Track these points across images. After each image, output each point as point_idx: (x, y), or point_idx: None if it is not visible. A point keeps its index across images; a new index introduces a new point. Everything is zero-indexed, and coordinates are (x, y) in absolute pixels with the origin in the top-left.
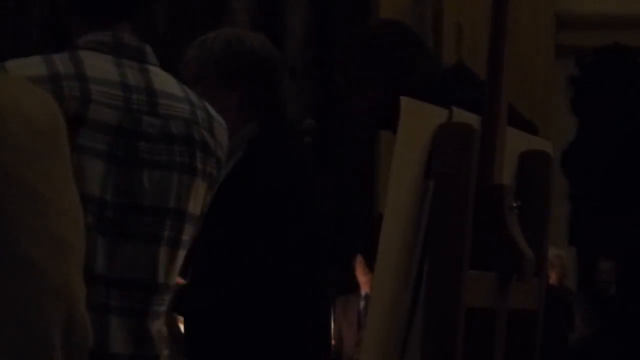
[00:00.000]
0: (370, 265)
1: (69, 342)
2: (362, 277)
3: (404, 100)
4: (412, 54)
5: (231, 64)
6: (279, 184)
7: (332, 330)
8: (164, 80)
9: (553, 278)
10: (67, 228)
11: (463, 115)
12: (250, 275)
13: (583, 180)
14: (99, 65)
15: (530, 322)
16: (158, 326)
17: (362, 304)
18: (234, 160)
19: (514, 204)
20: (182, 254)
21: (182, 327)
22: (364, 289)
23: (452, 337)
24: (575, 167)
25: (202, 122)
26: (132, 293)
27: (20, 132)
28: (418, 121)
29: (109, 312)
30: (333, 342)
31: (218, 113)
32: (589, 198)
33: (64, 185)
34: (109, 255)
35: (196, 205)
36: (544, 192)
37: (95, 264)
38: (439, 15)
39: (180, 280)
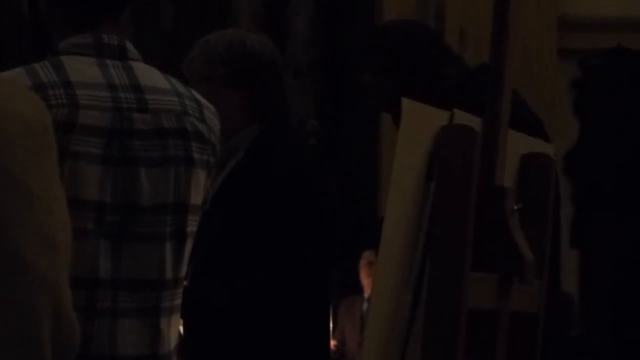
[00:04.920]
0: None
1: (57, 339)
2: (365, 280)
3: (405, 102)
4: (440, 56)
5: (234, 64)
6: (290, 181)
7: (335, 331)
8: (149, 75)
9: None
10: (56, 226)
11: (464, 118)
12: (267, 274)
13: (585, 183)
14: (83, 69)
15: (531, 324)
16: (172, 321)
17: (365, 305)
18: (234, 161)
19: (515, 207)
20: (189, 245)
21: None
22: (367, 292)
23: (453, 338)
24: (578, 170)
25: (193, 112)
26: (141, 293)
27: (12, 130)
28: (420, 123)
29: (117, 316)
30: (335, 342)
31: (221, 113)
32: (591, 201)
33: (52, 183)
34: (114, 257)
35: (197, 195)
36: (546, 194)
37: (99, 268)
38: (442, 18)
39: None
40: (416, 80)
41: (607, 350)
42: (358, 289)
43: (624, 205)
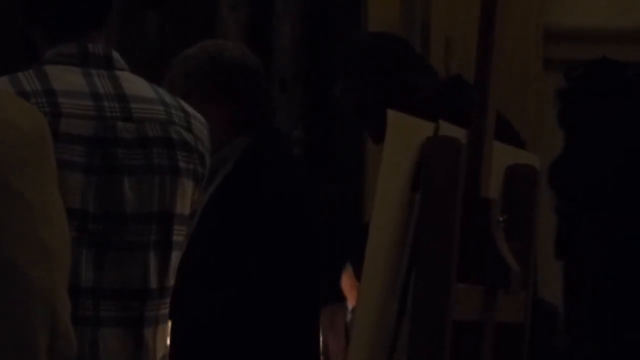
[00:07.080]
0: (358, 276)
1: (53, 349)
2: (349, 295)
3: (391, 114)
4: (412, 67)
5: (216, 77)
6: (279, 193)
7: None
8: (134, 85)
9: None
10: (52, 235)
11: (450, 129)
12: (255, 282)
13: (578, 189)
14: (67, 78)
15: (517, 335)
16: (157, 331)
17: (349, 317)
18: (224, 172)
19: (500, 218)
20: (176, 255)
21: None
22: (352, 303)
23: (439, 350)
24: (566, 178)
25: (179, 121)
26: (124, 302)
27: (8, 139)
28: (405, 134)
29: (99, 324)
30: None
31: (209, 127)
32: (584, 205)
33: (50, 193)
34: (96, 266)
35: (184, 204)
36: (531, 205)
37: (80, 277)
38: (427, 27)
39: None
40: (384, 93)
41: (604, 353)
42: (339, 298)
43: (623, 206)
